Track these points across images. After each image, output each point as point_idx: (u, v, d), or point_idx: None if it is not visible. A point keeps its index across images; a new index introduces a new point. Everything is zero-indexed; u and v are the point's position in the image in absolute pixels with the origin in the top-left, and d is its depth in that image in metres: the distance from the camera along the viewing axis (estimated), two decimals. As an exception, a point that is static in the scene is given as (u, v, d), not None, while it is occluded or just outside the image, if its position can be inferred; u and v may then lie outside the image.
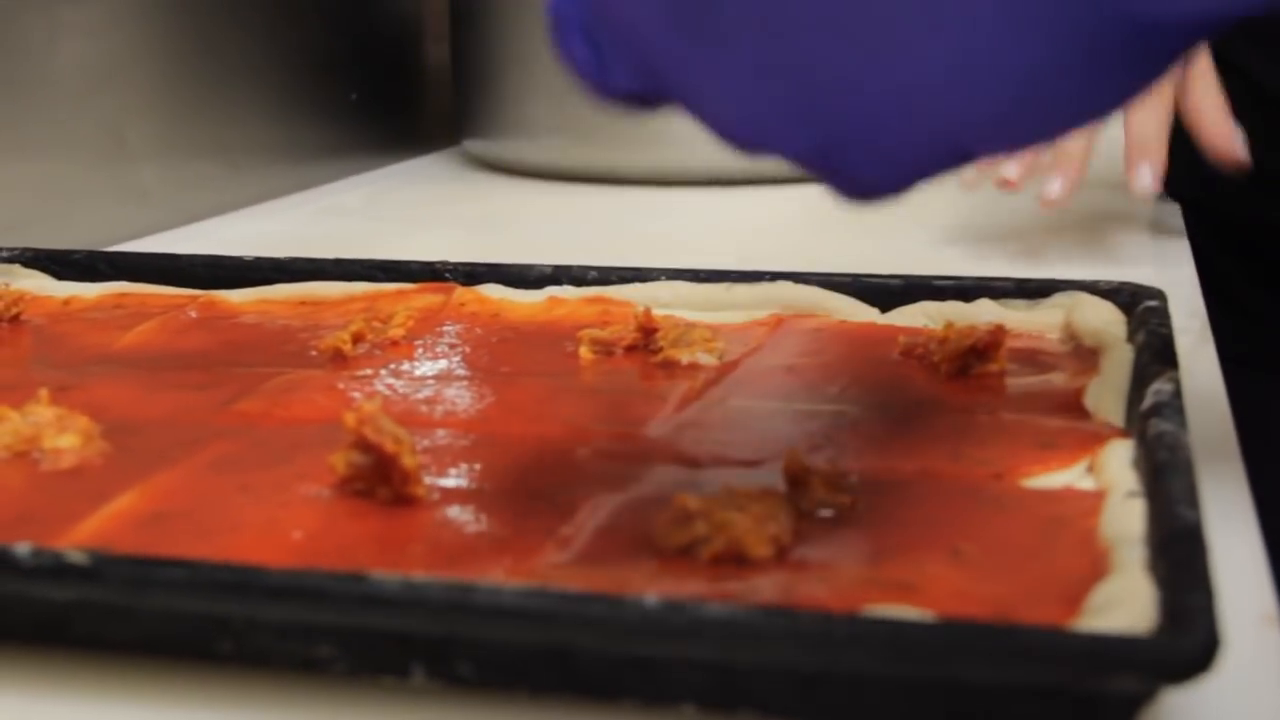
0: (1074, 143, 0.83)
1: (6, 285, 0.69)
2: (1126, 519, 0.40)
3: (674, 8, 0.35)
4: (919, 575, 0.38)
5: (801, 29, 0.34)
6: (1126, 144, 0.83)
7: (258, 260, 0.72)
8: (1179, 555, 0.36)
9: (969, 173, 0.86)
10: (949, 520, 0.42)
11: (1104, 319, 0.60)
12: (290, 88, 1.17)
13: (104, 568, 0.36)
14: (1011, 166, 0.83)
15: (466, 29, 1.24)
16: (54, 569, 0.37)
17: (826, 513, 0.43)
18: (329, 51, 1.24)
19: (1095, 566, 0.38)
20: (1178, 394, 0.48)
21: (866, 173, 0.37)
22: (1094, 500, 0.43)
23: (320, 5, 1.23)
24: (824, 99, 0.35)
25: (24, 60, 0.90)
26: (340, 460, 0.45)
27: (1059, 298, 0.63)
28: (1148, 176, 0.81)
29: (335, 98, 1.23)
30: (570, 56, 0.40)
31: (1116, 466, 0.45)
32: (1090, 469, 0.46)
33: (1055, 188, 0.82)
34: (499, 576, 0.39)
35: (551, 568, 0.39)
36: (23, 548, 0.37)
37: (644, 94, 0.39)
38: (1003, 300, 0.64)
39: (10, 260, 0.74)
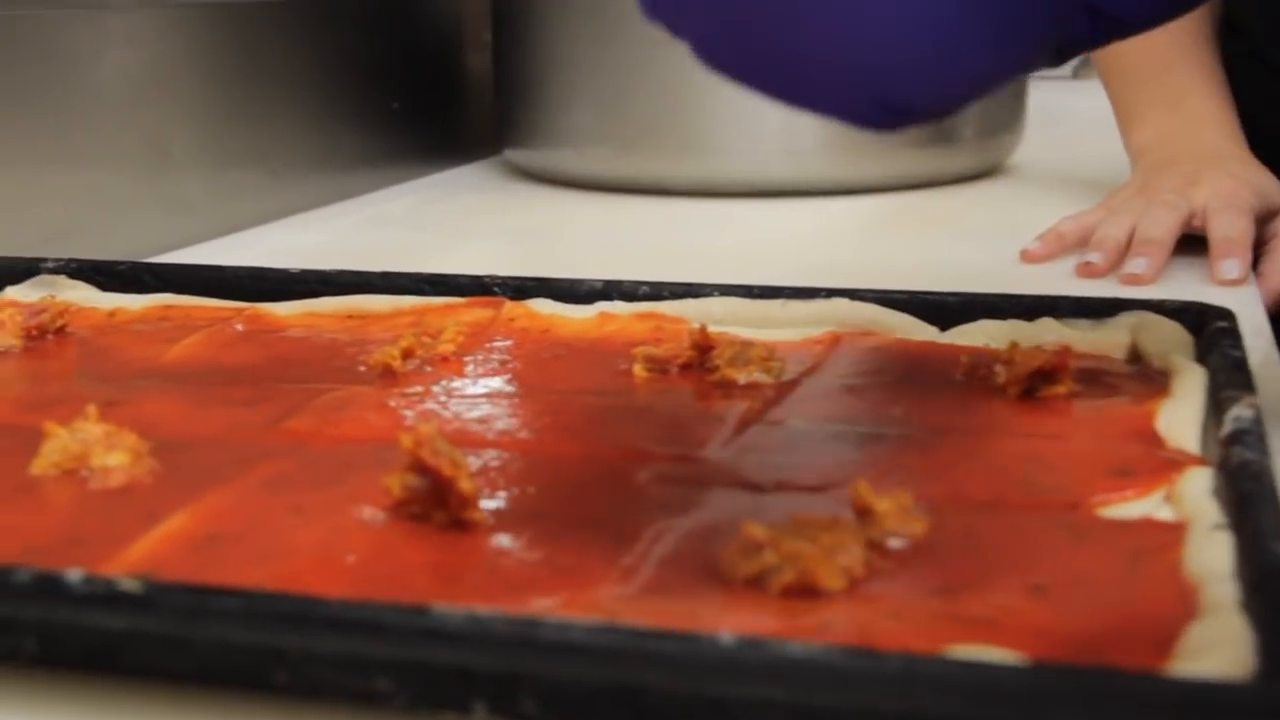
0: (1157, 229, 0.85)
1: (52, 297, 0.68)
2: (1214, 554, 0.39)
3: None
4: (999, 611, 0.37)
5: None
6: (1211, 243, 0.85)
7: (304, 273, 0.71)
8: (1275, 594, 0.34)
9: (1034, 245, 0.88)
10: (1026, 552, 0.41)
11: (1172, 339, 0.59)
12: (333, 97, 1.17)
13: (158, 596, 0.35)
14: (1096, 254, 0.84)
15: (509, 36, 1.23)
16: (107, 597, 0.35)
17: (897, 543, 0.41)
18: (371, 60, 1.23)
19: (1185, 605, 0.36)
20: (1259, 420, 0.47)
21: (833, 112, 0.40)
22: (1176, 532, 0.41)
23: (362, 14, 1.22)
24: (773, 50, 0.38)
25: (69, 70, 0.89)
26: (396, 483, 0.43)
27: (1124, 317, 0.61)
28: (1236, 269, 0.82)
29: (377, 106, 1.23)
30: None
31: (1197, 496, 0.44)
32: (1168, 498, 0.45)
33: (1142, 265, 0.82)
34: (561, 608, 0.37)
35: (616, 600, 0.38)
36: (75, 574, 0.36)
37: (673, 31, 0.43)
38: (1066, 319, 0.62)
39: (56, 271, 0.73)
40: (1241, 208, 0.87)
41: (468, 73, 1.38)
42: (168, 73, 0.97)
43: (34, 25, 0.87)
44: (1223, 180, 0.90)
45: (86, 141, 0.90)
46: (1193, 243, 0.87)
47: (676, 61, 1.09)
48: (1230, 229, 0.85)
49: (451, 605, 0.34)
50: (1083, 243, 0.87)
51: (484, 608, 0.34)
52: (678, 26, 0.41)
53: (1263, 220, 0.88)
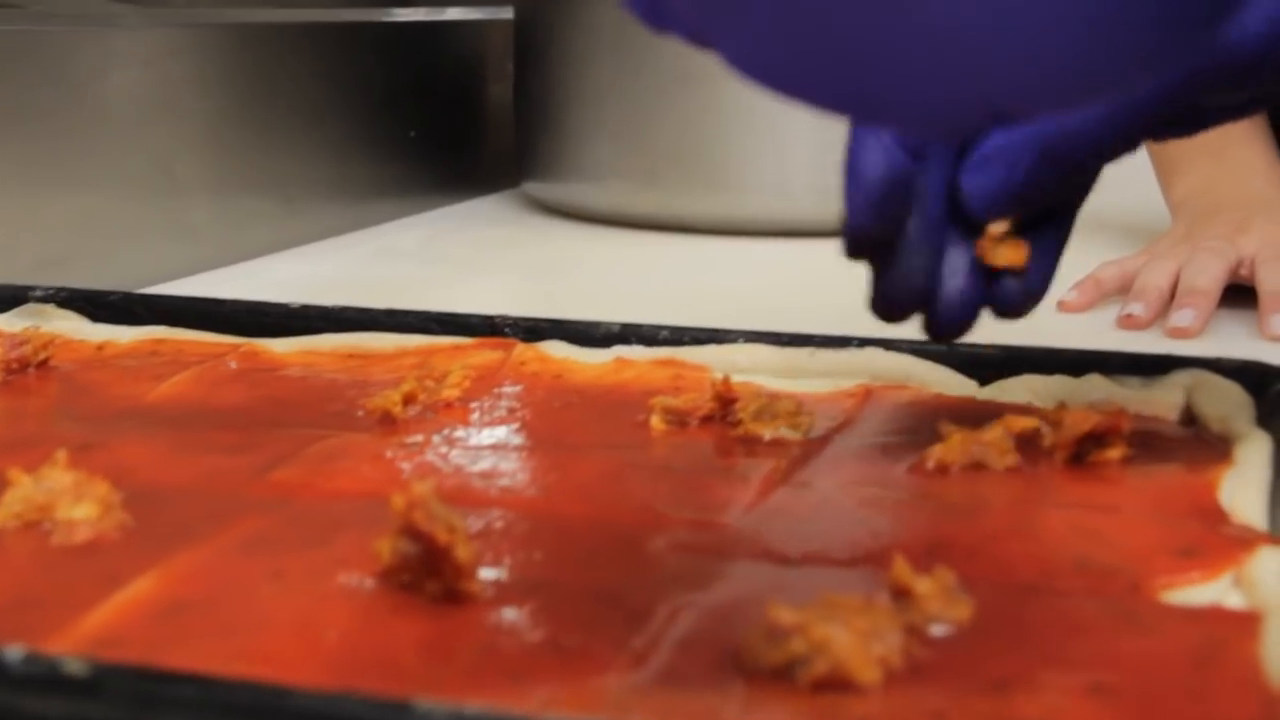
0: (1203, 278, 0.81)
1: (37, 328, 0.64)
2: (1297, 654, 0.35)
3: None
4: (1056, 713, 0.33)
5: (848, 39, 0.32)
6: (1261, 296, 0.81)
7: (305, 308, 0.67)
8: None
9: (1070, 295, 0.85)
10: (1083, 643, 0.37)
11: (1231, 401, 0.55)
12: (348, 123, 1.14)
13: (105, 681, 0.31)
14: (1138, 305, 0.81)
15: (529, 67, 1.21)
16: (48, 680, 0.32)
17: (939, 629, 0.37)
18: (389, 87, 1.20)
19: (1268, 712, 0.32)
20: (1336, 497, 0.43)
21: (902, 128, 0.37)
22: (1250, 623, 0.37)
23: (381, 40, 1.19)
24: (849, 51, 0.33)
25: (73, 90, 0.86)
26: (386, 547, 0.40)
27: (1177, 375, 0.57)
28: (1189, 318, 0.79)
29: (394, 135, 1.20)
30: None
31: (1271, 581, 0.40)
32: (1237, 581, 0.41)
33: (1188, 318, 0.79)
34: (564, 701, 0.33)
35: (626, 690, 0.34)
36: (14, 652, 0.32)
37: (694, 37, 0.37)
38: (1115, 377, 0.58)
39: (44, 300, 0.70)
40: None
41: (488, 102, 1.35)
42: (176, 94, 0.94)
43: (37, 42, 0.84)
44: (1272, 229, 0.86)
45: (89, 164, 0.87)
46: (1236, 292, 0.83)
47: (702, 94, 1.08)
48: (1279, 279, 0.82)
49: (436, 701, 0.30)
50: (1123, 290, 0.84)
51: (473, 705, 0.30)
52: (710, 31, 0.36)
53: None
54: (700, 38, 0.36)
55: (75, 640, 0.36)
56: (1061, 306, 0.84)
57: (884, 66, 0.32)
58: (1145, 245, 0.89)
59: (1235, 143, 0.96)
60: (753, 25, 0.33)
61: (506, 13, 1.25)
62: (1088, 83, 0.32)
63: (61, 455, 0.46)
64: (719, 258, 1.03)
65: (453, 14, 1.35)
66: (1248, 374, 0.56)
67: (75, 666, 0.32)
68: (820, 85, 0.34)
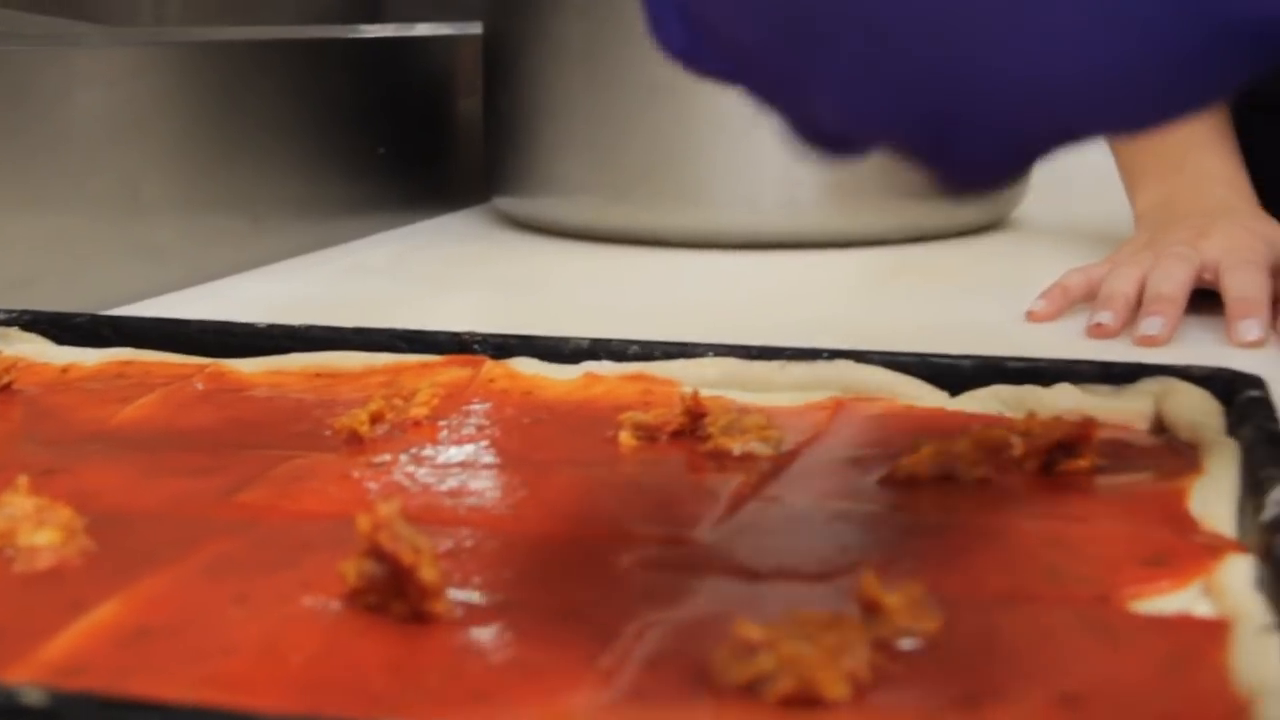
0: (1169, 284, 0.82)
1: (0, 351, 0.64)
2: (1265, 660, 0.35)
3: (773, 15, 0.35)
4: (1026, 727, 0.33)
5: (911, 28, 0.34)
6: (1228, 303, 0.82)
7: (271, 328, 0.67)
8: (1342, 715, 0.30)
9: (1038, 305, 0.85)
10: (1053, 654, 0.37)
11: (1201, 409, 0.55)
12: (316, 140, 1.13)
13: (64, 710, 0.31)
14: (1106, 313, 0.81)
15: (498, 82, 1.20)
16: (7, 710, 0.31)
17: (908, 643, 0.37)
18: (357, 103, 1.19)
19: (1236, 722, 0.32)
20: (1304, 503, 0.43)
21: (977, 154, 0.36)
22: (1218, 631, 0.37)
23: (349, 57, 1.19)
24: (934, 86, 0.35)
25: (36, 109, 0.86)
26: (351, 569, 0.39)
27: (1147, 384, 0.58)
28: (1256, 329, 0.79)
29: (363, 151, 1.19)
30: (665, 38, 0.38)
31: (1240, 589, 0.40)
32: (1207, 590, 0.41)
33: (1156, 325, 0.79)
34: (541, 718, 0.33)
35: (593, 709, 0.34)
36: (-29, 682, 0.32)
37: (736, 78, 0.39)
38: (1085, 385, 0.58)
39: (7, 323, 0.69)
40: (1258, 263, 0.84)
41: (457, 118, 1.35)
42: (141, 113, 0.94)
43: (23, 62, 0.83)
44: (1235, 233, 0.87)
45: (54, 184, 0.87)
46: (1203, 298, 0.84)
47: (671, 108, 1.08)
48: (1247, 287, 0.82)
49: (401, 724, 0.30)
50: (1089, 297, 0.84)
51: (437, 727, 0.30)
52: (785, 77, 0.37)
53: (1276, 275, 0.85)
54: (754, 84, 0.38)
55: (36, 668, 0.36)
56: (1030, 316, 0.84)
57: (967, 98, 0.34)
58: (1111, 253, 0.90)
59: (1197, 151, 0.97)
60: (839, 72, 0.35)
61: (475, 28, 1.25)
62: (1156, 118, 0.35)
63: (23, 481, 0.46)
64: (689, 271, 1.03)
65: (421, 29, 1.34)
66: (1217, 381, 0.57)
67: (34, 696, 0.31)
68: (901, 120, 0.36)
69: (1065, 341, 0.79)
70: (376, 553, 0.39)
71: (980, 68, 0.33)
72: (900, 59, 0.34)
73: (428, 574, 0.38)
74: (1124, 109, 0.34)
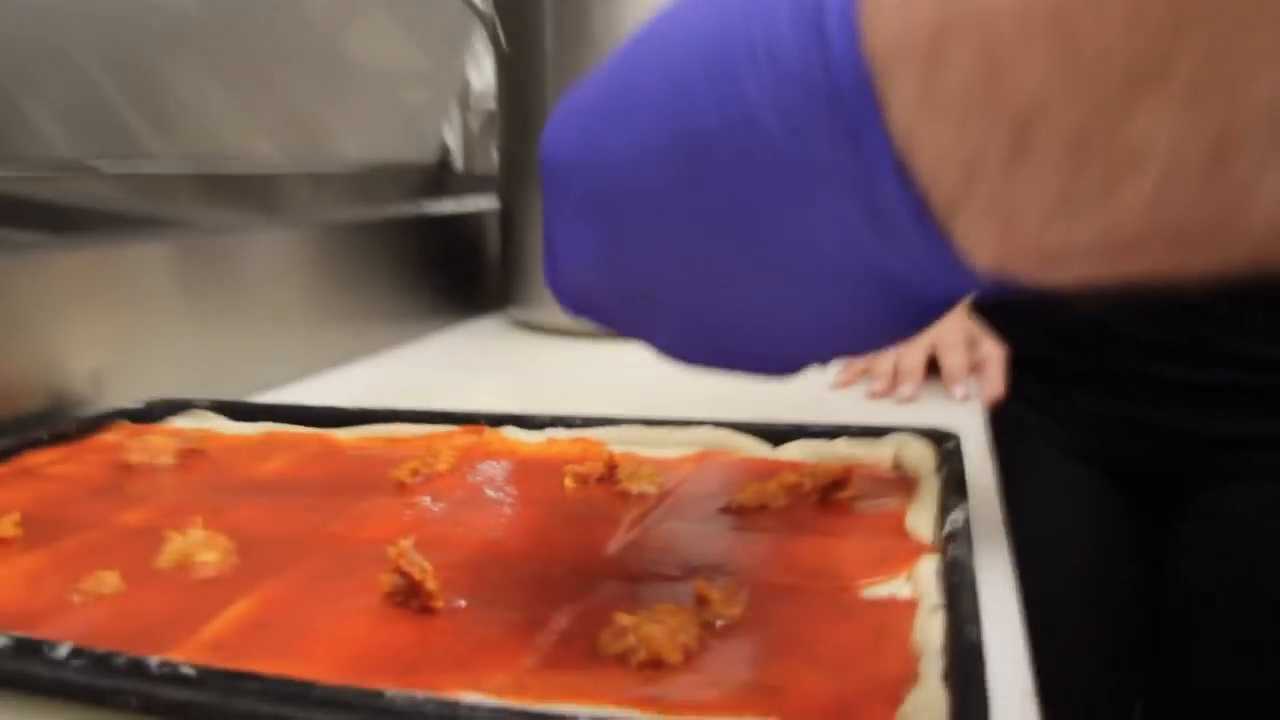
0: (912, 361, 0.84)
1: (197, 428, 0.65)
2: (931, 630, 0.37)
3: (623, 302, 0.35)
4: (788, 679, 0.35)
5: (711, 318, 0.34)
6: (944, 372, 0.84)
7: (359, 411, 0.68)
8: (965, 668, 0.32)
9: (840, 376, 0.86)
10: (811, 629, 0.39)
11: (921, 455, 0.57)
12: (396, 276, 1.15)
13: (206, 678, 0.33)
14: (877, 384, 0.83)
15: (510, 234, 1.22)
16: (174, 677, 0.33)
17: (722, 623, 0.39)
18: (424, 250, 1.21)
19: (910, 671, 0.34)
20: (967, 522, 0.45)
21: (759, 376, 0.37)
22: (910, 609, 0.39)
23: (420, 224, 1.21)
24: (726, 352, 0.35)
25: (226, 264, 0.87)
26: (386, 580, 0.41)
27: (891, 437, 0.60)
28: (963, 390, 0.82)
29: (424, 281, 1.21)
30: (558, 299, 0.38)
31: (926, 578, 0.42)
32: (909, 579, 0.43)
33: (908, 390, 0.81)
34: (487, 680, 0.35)
35: (526, 672, 0.36)
36: (153, 660, 0.34)
37: (608, 327, 0.39)
38: (855, 439, 0.60)
39: (206, 408, 0.71)
40: (962, 344, 0.86)
41: (486, 255, 1.36)
42: (288, 266, 0.95)
43: (203, 245, 0.85)
44: (950, 320, 0.89)
45: (229, 313, 0.88)
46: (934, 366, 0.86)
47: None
48: (956, 363, 0.84)
49: (398, 690, 0.32)
50: (869, 371, 0.86)
51: (420, 693, 0.32)
52: (627, 333, 0.38)
53: (972, 348, 0.87)
54: (620, 332, 0.38)
55: (196, 646, 0.37)
56: (836, 384, 0.86)
57: (748, 357, 0.35)
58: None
59: None
60: (659, 335, 0.36)
61: (495, 203, 1.27)
62: (863, 349, 0.35)
63: (199, 519, 0.48)
64: (629, 358, 1.05)
65: (467, 204, 1.36)
66: (932, 436, 0.59)
67: (188, 670, 0.33)
68: (708, 364, 0.37)
69: (853, 403, 0.81)
70: (399, 571, 0.41)
71: (753, 348, 0.34)
72: (706, 336, 0.34)
73: (430, 585, 0.40)
74: (853, 348, 0.34)
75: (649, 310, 0.34)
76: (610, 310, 0.36)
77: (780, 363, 0.35)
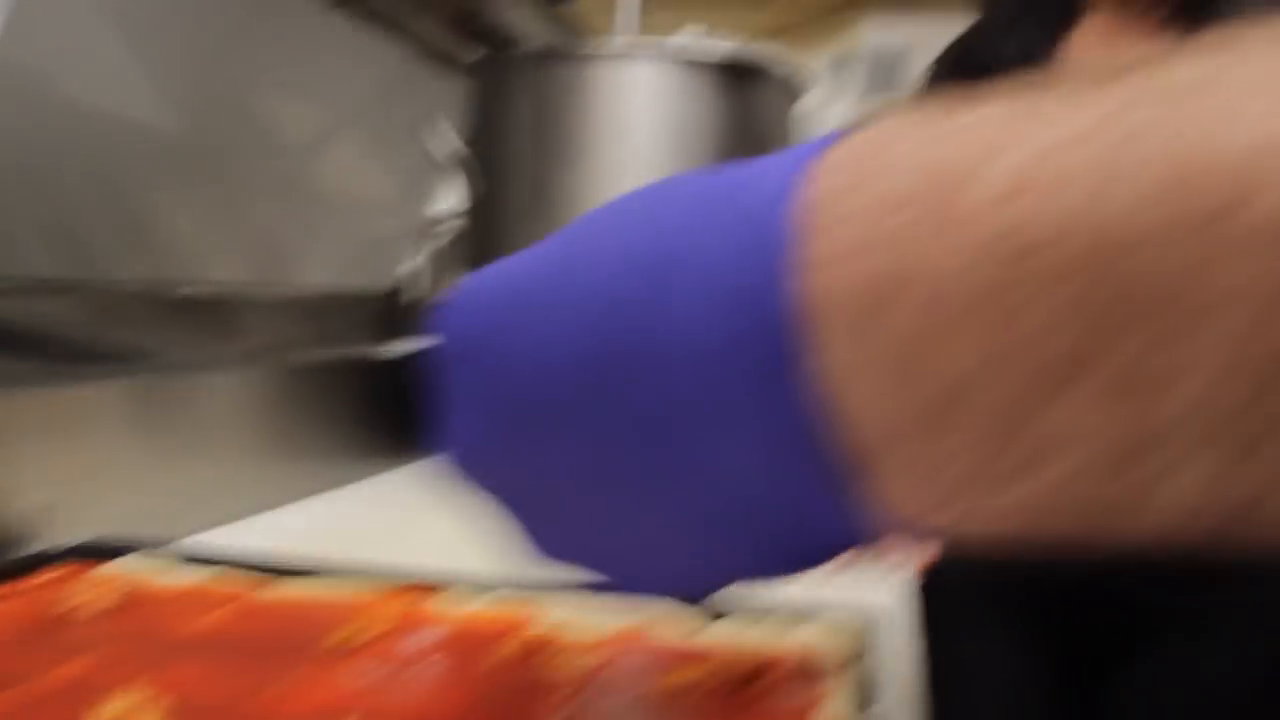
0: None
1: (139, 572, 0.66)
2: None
3: (512, 494, 0.35)
4: None
5: (593, 544, 0.34)
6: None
7: (305, 566, 0.69)
8: None
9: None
10: None
11: (839, 645, 0.58)
12: (355, 416, 1.16)
13: None
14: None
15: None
16: None
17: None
18: (366, 389, 1.22)
19: None
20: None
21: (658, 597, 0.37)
22: None
23: (366, 367, 1.22)
24: (608, 569, 0.36)
25: (181, 403, 0.89)
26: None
27: (809, 624, 0.61)
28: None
29: (382, 419, 1.21)
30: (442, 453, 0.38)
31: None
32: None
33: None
34: None
35: None
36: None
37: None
38: (770, 623, 0.62)
39: (149, 550, 0.71)
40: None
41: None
42: (236, 411, 0.97)
43: (180, 386, 0.87)
44: None
45: (179, 454, 0.89)
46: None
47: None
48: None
49: None
50: None
51: None
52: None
53: None
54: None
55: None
56: None
57: (629, 579, 0.35)
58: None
59: None
60: (554, 545, 0.36)
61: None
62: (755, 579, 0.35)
63: (139, 678, 0.48)
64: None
65: (409, 345, 1.38)
66: (848, 624, 0.61)
67: None
68: (593, 576, 0.37)
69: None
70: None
71: (636, 576, 0.35)
72: (592, 547, 0.35)
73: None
74: (737, 580, 0.34)
75: (536, 507, 0.34)
76: (501, 494, 0.36)
77: (664, 586, 0.35)
